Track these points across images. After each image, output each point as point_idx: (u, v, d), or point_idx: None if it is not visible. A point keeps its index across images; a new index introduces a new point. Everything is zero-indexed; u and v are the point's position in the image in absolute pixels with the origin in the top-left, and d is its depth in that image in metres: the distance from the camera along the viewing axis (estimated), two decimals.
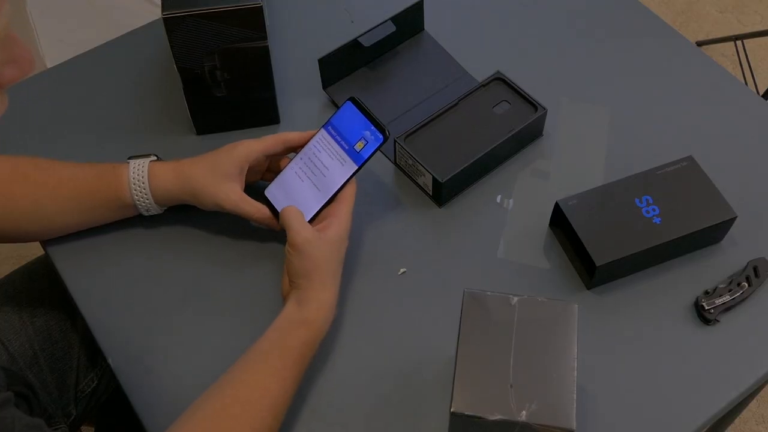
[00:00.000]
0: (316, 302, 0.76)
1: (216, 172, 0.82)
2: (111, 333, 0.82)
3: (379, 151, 0.84)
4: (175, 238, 0.89)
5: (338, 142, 0.83)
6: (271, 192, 0.86)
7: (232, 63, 0.88)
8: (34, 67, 0.51)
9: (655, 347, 0.80)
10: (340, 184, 0.82)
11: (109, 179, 0.83)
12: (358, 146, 0.82)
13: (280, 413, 0.72)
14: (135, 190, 0.83)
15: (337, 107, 0.86)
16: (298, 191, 0.84)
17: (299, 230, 0.77)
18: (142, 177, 0.83)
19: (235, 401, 0.70)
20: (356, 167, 0.82)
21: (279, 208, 0.85)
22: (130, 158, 0.85)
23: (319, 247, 0.77)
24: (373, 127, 0.82)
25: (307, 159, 0.85)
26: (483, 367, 0.65)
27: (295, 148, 0.86)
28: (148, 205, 0.85)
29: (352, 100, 0.84)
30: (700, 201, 0.84)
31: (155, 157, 0.85)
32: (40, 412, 0.87)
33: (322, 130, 0.85)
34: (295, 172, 0.85)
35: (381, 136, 0.82)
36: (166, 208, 0.87)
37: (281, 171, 0.87)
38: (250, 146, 0.83)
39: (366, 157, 0.82)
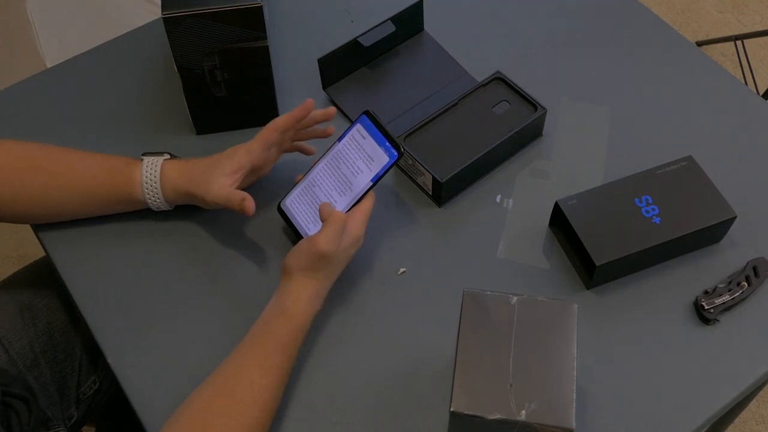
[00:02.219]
0: (294, 294, 0.76)
1: (215, 171, 0.82)
2: (111, 333, 0.82)
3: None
4: (176, 238, 0.89)
5: (354, 157, 0.82)
6: (287, 205, 0.86)
7: (232, 63, 0.88)
8: None
9: (654, 347, 0.80)
10: (356, 200, 0.81)
11: (123, 174, 0.84)
12: (373, 162, 0.81)
13: (269, 405, 0.72)
14: (147, 188, 0.84)
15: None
16: (317, 203, 0.84)
17: (331, 241, 0.76)
18: (155, 176, 0.83)
19: (221, 395, 0.70)
20: (371, 183, 0.80)
21: (295, 221, 0.85)
22: (144, 155, 0.85)
23: (332, 263, 0.77)
24: (387, 143, 0.80)
25: (327, 172, 0.84)
26: (483, 366, 0.65)
27: (289, 129, 0.85)
28: (159, 203, 0.86)
29: (368, 114, 0.82)
30: (700, 201, 0.84)
31: (169, 156, 0.86)
32: (39, 414, 0.87)
33: (339, 144, 0.83)
34: (315, 185, 0.84)
35: (396, 153, 0.80)
36: (174, 205, 0.88)
37: (296, 183, 0.86)
38: (249, 147, 0.83)
39: (381, 173, 0.80)
